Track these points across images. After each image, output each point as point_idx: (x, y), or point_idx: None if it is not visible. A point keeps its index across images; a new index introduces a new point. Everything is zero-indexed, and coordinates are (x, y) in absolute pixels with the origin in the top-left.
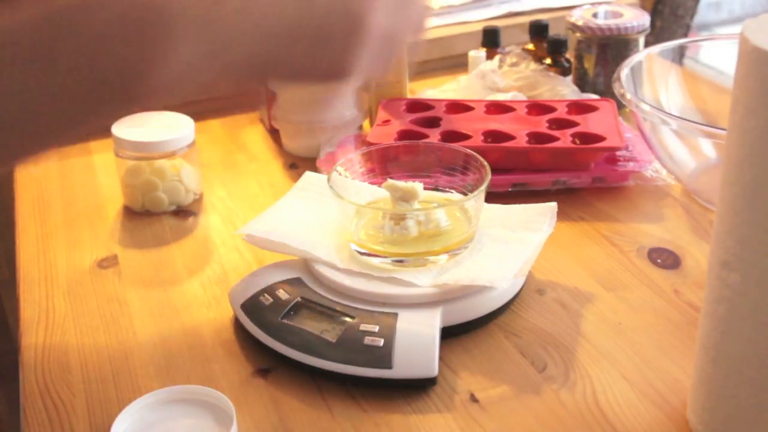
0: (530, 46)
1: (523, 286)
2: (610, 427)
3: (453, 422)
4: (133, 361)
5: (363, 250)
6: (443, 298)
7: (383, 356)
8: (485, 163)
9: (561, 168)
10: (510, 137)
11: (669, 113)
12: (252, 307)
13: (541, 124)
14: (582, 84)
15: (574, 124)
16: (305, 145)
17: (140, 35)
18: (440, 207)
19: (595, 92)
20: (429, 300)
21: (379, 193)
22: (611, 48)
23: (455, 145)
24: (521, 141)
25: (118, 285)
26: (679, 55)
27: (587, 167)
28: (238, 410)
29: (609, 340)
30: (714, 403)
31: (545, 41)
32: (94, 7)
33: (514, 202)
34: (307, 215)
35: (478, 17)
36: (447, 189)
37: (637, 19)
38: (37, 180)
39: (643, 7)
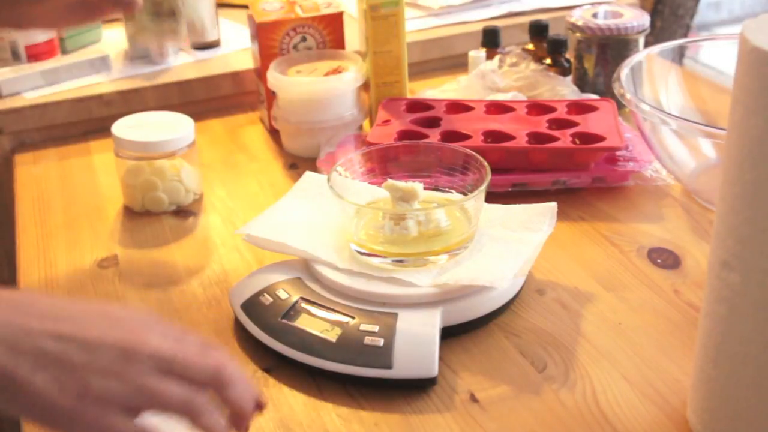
0: (530, 46)
1: (523, 286)
2: (610, 427)
3: (453, 422)
4: None
5: (363, 250)
6: (443, 298)
7: (383, 356)
8: (485, 163)
9: (561, 168)
10: (510, 137)
11: (669, 113)
12: (252, 307)
13: (541, 124)
14: (582, 84)
15: (574, 124)
16: (305, 145)
17: None
18: (440, 207)
19: (595, 92)
20: (429, 300)
21: (379, 193)
22: (611, 48)
23: (455, 145)
24: (521, 141)
25: (118, 285)
26: (679, 55)
27: (587, 167)
28: None
29: (609, 340)
30: (714, 403)
31: (545, 41)
32: None
33: (514, 202)
34: (307, 215)
35: (478, 17)
36: (447, 189)
37: (637, 19)
38: (37, 180)
39: (643, 7)
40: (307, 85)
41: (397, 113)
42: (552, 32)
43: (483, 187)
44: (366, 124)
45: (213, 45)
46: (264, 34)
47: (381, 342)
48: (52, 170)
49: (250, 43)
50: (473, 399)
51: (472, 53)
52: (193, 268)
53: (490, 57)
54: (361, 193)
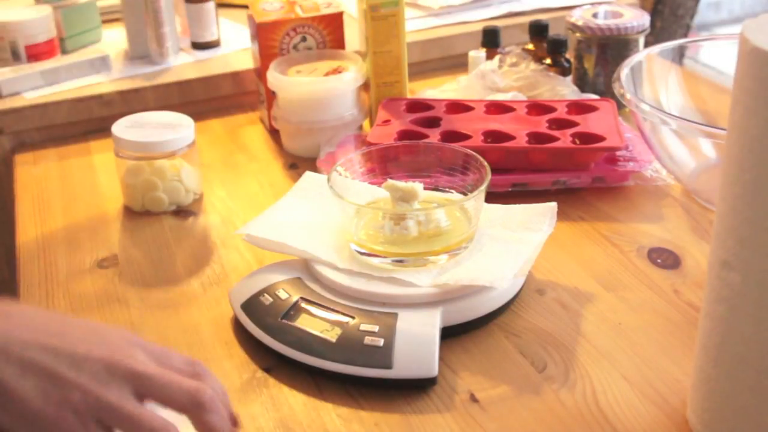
0: (530, 46)
1: (523, 286)
2: (610, 427)
3: (453, 422)
4: None
5: (363, 250)
6: (443, 298)
7: (383, 356)
8: (485, 163)
9: (561, 168)
10: (510, 137)
11: (669, 113)
12: (252, 307)
13: (541, 124)
14: (582, 84)
15: (574, 124)
16: (305, 145)
17: None
18: (440, 207)
19: (595, 92)
20: (429, 300)
21: (379, 193)
22: (611, 48)
23: (455, 145)
24: (521, 141)
25: (118, 285)
26: (679, 55)
27: (587, 167)
28: (238, 410)
29: (609, 340)
30: (714, 403)
31: (545, 41)
32: None
33: (514, 202)
34: (307, 215)
35: (478, 17)
36: (447, 189)
37: (637, 19)
38: (37, 180)
39: (643, 7)
40: (307, 85)
41: (397, 113)
42: (552, 32)
43: (483, 187)
44: (366, 124)
45: (213, 45)
46: (264, 34)
47: (381, 342)
48: (52, 170)
49: (250, 43)
50: (473, 399)
51: (472, 53)
52: (193, 268)
53: (490, 57)
54: (361, 193)
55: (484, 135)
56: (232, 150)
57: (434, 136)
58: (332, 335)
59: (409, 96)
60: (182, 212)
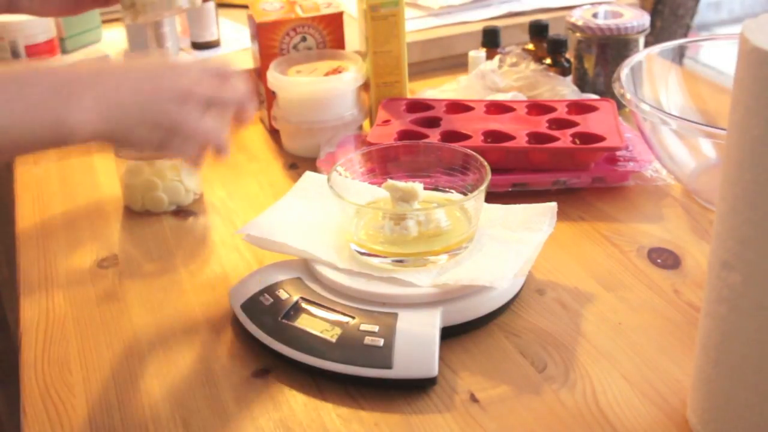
0: (530, 46)
1: (523, 286)
2: (610, 427)
3: (453, 422)
4: (132, 361)
5: (363, 250)
6: (443, 298)
7: (383, 356)
8: (485, 163)
9: (561, 168)
10: (510, 137)
11: (669, 113)
12: (252, 307)
13: (541, 124)
14: (582, 84)
15: (574, 124)
16: (305, 145)
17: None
18: (440, 207)
19: (595, 92)
20: (429, 300)
21: (379, 193)
22: (611, 48)
23: (455, 145)
24: (521, 141)
25: (118, 285)
26: (679, 55)
27: (587, 167)
28: (238, 410)
29: (609, 340)
30: (714, 403)
31: (545, 41)
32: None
33: (514, 202)
34: (307, 215)
35: (478, 17)
36: (447, 189)
37: (637, 19)
38: (37, 180)
39: (643, 7)
40: (307, 85)
41: (397, 113)
42: (552, 32)
43: (483, 187)
44: (366, 124)
45: (213, 45)
46: (264, 34)
47: (381, 342)
48: (52, 170)
49: (250, 43)
50: (473, 399)
51: (472, 53)
52: (193, 268)
53: (490, 57)
54: (361, 193)
55: (484, 135)
56: (232, 150)
57: (434, 136)
58: (332, 335)
59: (409, 96)
60: (182, 212)
